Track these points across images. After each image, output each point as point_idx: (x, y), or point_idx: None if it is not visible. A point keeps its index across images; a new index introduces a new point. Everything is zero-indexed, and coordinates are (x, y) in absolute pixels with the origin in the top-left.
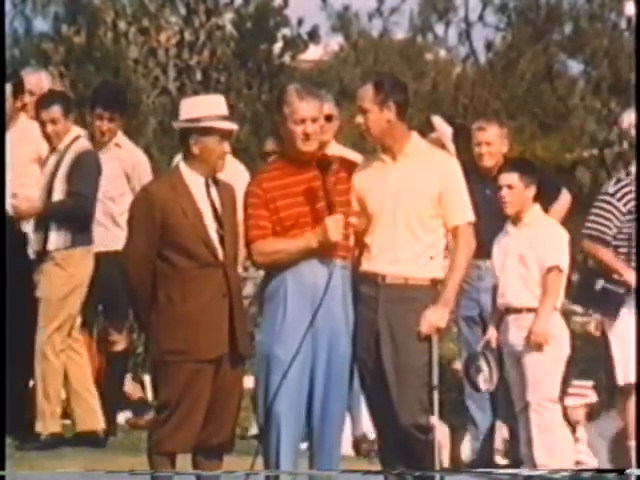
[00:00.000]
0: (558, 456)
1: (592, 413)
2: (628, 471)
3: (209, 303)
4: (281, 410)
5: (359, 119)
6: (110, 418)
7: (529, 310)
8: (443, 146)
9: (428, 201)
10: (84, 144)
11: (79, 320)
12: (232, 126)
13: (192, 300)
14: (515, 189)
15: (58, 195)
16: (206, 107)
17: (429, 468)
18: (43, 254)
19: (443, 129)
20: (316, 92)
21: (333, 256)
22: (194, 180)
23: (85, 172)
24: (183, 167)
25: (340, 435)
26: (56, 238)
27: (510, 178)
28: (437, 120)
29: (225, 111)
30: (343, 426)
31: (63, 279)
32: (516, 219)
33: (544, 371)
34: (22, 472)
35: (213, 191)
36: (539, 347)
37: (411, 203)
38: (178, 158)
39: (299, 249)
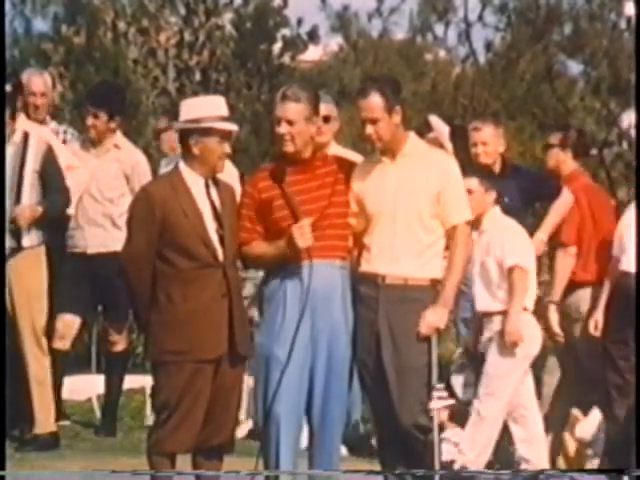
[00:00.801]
0: (478, 449)
1: (454, 415)
2: (628, 471)
3: (209, 303)
4: (281, 410)
5: (369, 130)
6: (111, 419)
7: (497, 313)
8: (441, 146)
9: (427, 201)
10: (43, 138)
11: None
12: (232, 127)
13: (192, 300)
14: (475, 194)
15: (28, 190)
16: (206, 108)
17: (429, 468)
18: (17, 250)
19: (440, 128)
20: (301, 94)
21: (313, 257)
22: (194, 180)
23: (58, 166)
24: (183, 167)
25: (340, 435)
26: (29, 234)
27: (469, 183)
28: (434, 120)
29: (225, 112)
30: (343, 426)
31: (40, 277)
32: (476, 223)
33: (499, 368)
34: (22, 472)
35: (213, 191)
36: (514, 346)
37: (410, 203)
38: (166, 161)
39: (274, 256)
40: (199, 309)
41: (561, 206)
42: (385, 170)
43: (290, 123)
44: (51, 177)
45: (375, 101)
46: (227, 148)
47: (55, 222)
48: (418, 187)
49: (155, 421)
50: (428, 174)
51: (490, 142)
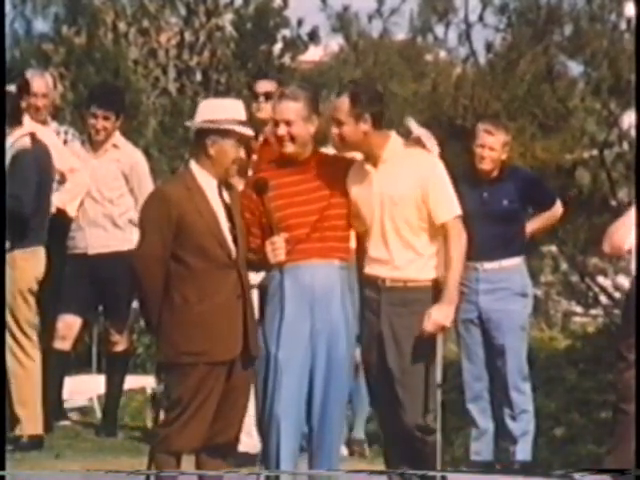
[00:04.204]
0: None
1: None
2: (628, 471)
3: (225, 304)
4: (281, 411)
5: (334, 130)
6: (111, 419)
7: None
8: (424, 146)
9: (413, 204)
10: (22, 143)
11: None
12: (250, 132)
13: (208, 301)
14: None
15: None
16: (226, 110)
17: (432, 469)
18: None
19: (419, 131)
20: (299, 94)
21: (312, 257)
22: (207, 181)
23: (18, 172)
24: (195, 168)
25: (340, 435)
26: (11, 237)
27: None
28: (411, 123)
29: (244, 117)
30: (343, 427)
31: (27, 279)
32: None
33: None
34: (22, 472)
35: (224, 192)
36: None
37: (396, 209)
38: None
39: (256, 263)
40: (215, 310)
41: (550, 216)
42: (369, 178)
43: (288, 123)
44: (9, 182)
45: (343, 104)
46: (241, 153)
47: (13, 220)
48: (401, 192)
49: (163, 420)
50: (410, 177)
51: (498, 150)
